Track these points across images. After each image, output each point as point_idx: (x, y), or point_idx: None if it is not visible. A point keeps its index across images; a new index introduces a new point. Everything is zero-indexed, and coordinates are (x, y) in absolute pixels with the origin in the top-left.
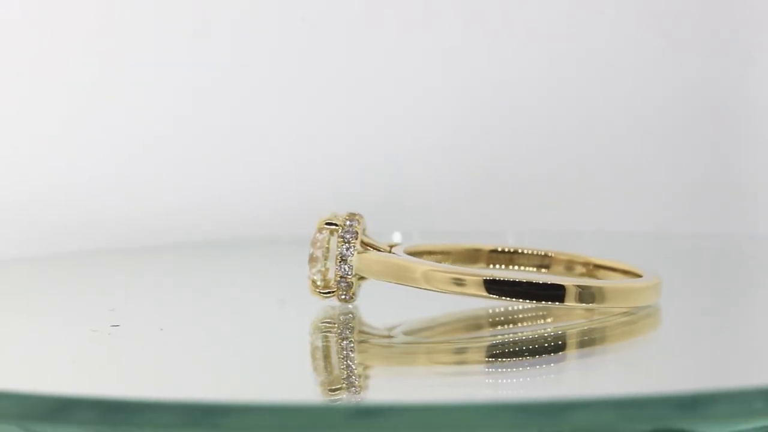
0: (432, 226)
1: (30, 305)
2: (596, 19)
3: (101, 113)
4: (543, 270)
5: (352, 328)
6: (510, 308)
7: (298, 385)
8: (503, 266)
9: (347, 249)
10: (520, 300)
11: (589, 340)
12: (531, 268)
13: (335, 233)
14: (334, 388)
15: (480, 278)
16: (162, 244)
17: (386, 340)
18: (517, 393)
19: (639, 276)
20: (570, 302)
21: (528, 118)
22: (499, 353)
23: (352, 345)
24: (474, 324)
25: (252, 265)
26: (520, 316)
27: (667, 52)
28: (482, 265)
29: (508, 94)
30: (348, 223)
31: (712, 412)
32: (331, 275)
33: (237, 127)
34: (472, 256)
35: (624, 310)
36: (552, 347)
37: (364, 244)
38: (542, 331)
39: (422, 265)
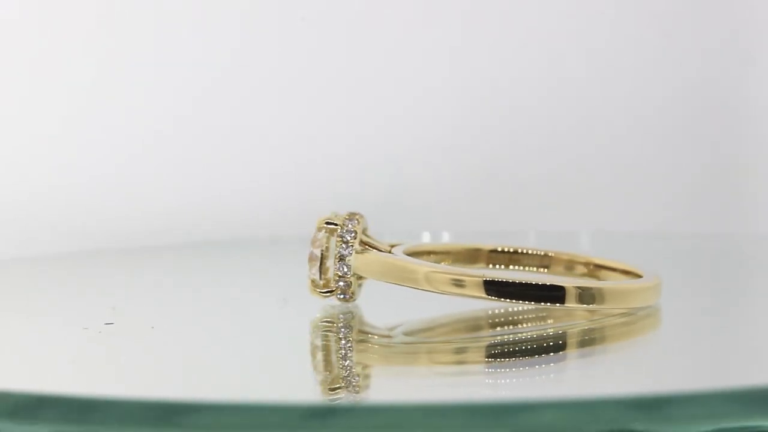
0: (432, 226)
1: (30, 305)
2: (596, 19)
3: (101, 113)
4: (543, 270)
5: (352, 327)
6: (510, 309)
7: (298, 384)
8: (503, 266)
9: (345, 248)
10: (520, 301)
11: (589, 340)
12: (531, 268)
13: (335, 233)
14: (332, 387)
15: (479, 279)
16: (162, 244)
17: (385, 340)
18: (516, 393)
19: (639, 276)
20: (569, 303)
21: (528, 118)
22: (499, 353)
23: (350, 344)
24: (474, 325)
25: (252, 265)
26: (520, 317)
27: (667, 52)
28: (482, 265)
29: (508, 94)
30: (348, 222)
31: (670, 415)
32: (331, 274)
33: (237, 127)
34: (471, 256)
35: (624, 310)
36: (551, 347)
37: (364, 243)
38: (542, 331)
39: (421, 266)
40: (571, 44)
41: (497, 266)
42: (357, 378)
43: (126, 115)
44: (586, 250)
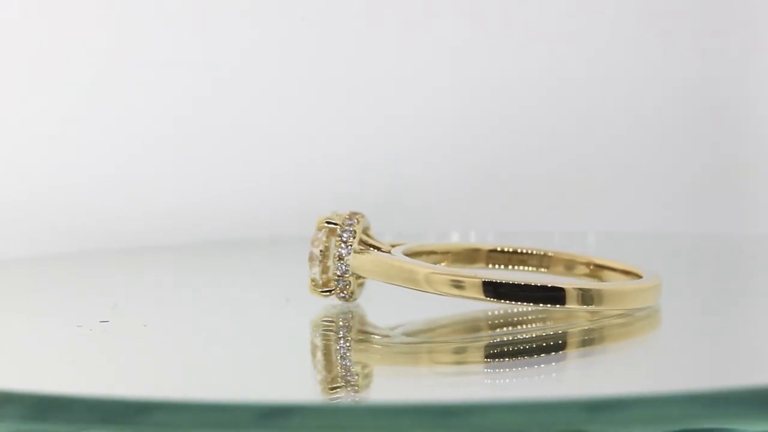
0: (432, 226)
1: (30, 305)
2: (596, 19)
3: (101, 113)
4: (543, 270)
5: (351, 327)
6: (510, 310)
7: (297, 384)
8: (502, 266)
9: (344, 248)
10: (520, 303)
11: (588, 340)
12: (531, 268)
13: (334, 232)
14: (331, 386)
15: (479, 281)
16: (162, 244)
17: (385, 340)
18: (515, 393)
19: (639, 276)
20: (569, 305)
21: (528, 118)
22: (498, 353)
23: (349, 344)
24: (474, 326)
25: (252, 265)
26: (521, 318)
27: (667, 52)
28: (481, 265)
29: (508, 94)
30: (347, 222)
31: (626, 417)
32: (331, 274)
33: (237, 127)
34: (471, 256)
35: (624, 311)
36: (551, 347)
37: (364, 243)
38: (541, 331)
39: (421, 267)
40: (571, 44)
41: (497, 266)
42: (356, 377)
43: (126, 115)
44: (586, 250)
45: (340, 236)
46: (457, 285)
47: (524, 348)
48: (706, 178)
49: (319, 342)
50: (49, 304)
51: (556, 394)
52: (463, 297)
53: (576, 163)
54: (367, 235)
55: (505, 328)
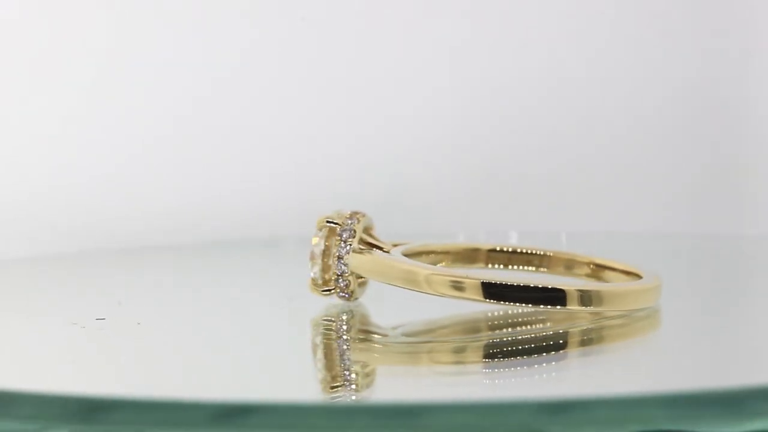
0: (432, 226)
1: (30, 305)
2: (596, 19)
3: (101, 113)
4: (542, 270)
5: (351, 327)
6: (510, 311)
7: (296, 383)
8: (502, 266)
9: (343, 247)
10: (520, 304)
11: (588, 340)
12: (530, 268)
13: (335, 231)
14: (331, 386)
15: (478, 281)
16: (162, 244)
17: (384, 339)
18: (514, 393)
19: (639, 276)
20: (570, 306)
21: (528, 118)
22: (497, 353)
23: (349, 344)
24: (475, 326)
25: (252, 265)
26: (521, 319)
27: (667, 52)
28: (481, 264)
29: (509, 94)
30: (348, 221)
31: (582, 419)
32: (331, 273)
33: (237, 127)
34: (470, 255)
35: (624, 312)
36: (551, 347)
37: (365, 243)
38: (541, 332)
39: (421, 268)
40: (571, 44)
41: (496, 266)
42: (355, 377)
43: (126, 115)
44: (586, 250)
45: (340, 236)
46: (457, 286)
47: (523, 348)
48: (706, 178)
49: (318, 341)
50: (49, 304)
51: (554, 395)
52: (463, 298)
53: (576, 163)
54: (369, 235)
55: (505, 329)
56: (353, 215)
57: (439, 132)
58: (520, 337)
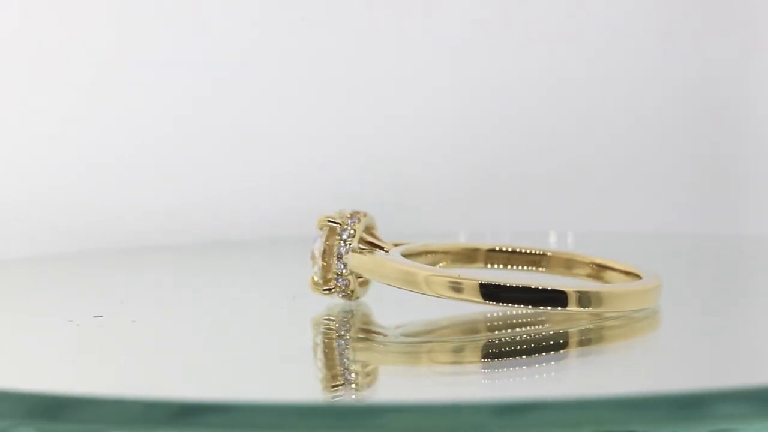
0: (432, 226)
1: (30, 305)
2: (596, 19)
3: (101, 113)
4: (542, 269)
5: (350, 326)
6: (510, 312)
7: (296, 383)
8: (501, 266)
9: (343, 247)
10: (519, 306)
11: (587, 341)
12: (529, 268)
13: (335, 231)
14: (330, 385)
15: (477, 282)
16: (162, 244)
17: (384, 339)
18: (512, 393)
19: (639, 276)
20: (569, 307)
21: (528, 118)
22: (496, 353)
23: (348, 343)
24: (474, 326)
25: (252, 265)
26: (520, 320)
27: (667, 52)
28: (480, 264)
29: (508, 94)
30: (349, 221)
31: (533, 421)
32: (331, 272)
33: (237, 127)
34: (469, 255)
35: (624, 313)
36: (550, 347)
37: (366, 243)
38: (541, 332)
39: (420, 269)
40: (571, 44)
41: (496, 266)
42: (355, 376)
43: (126, 115)
44: (586, 250)
45: (340, 235)
46: (456, 287)
47: (523, 348)
48: (706, 178)
49: (318, 341)
50: (49, 304)
51: (553, 394)
52: (462, 300)
53: (576, 163)
54: (371, 235)
55: (504, 330)
56: (354, 215)
57: (439, 132)
58: (519, 338)
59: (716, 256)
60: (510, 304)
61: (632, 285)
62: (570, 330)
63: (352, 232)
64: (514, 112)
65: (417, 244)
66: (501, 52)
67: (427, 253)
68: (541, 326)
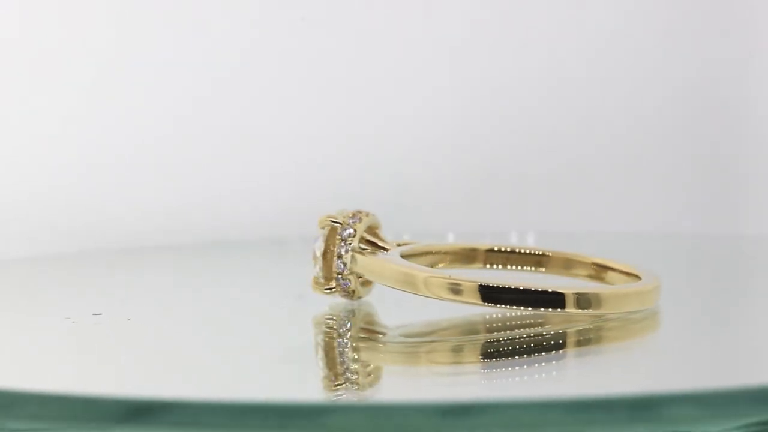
0: (432, 226)
1: (30, 305)
2: (596, 19)
3: (101, 113)
4: (541, 269)
5: (351, 326)
6: (510, 314)
7: (295, 382)
8: (500, 266)
9: (343, 247)
10: (518, 307)
11: (586, 341)
12: (529, 268)
13: (336, 230)
14: (330, 385)
15: (475, 284)
16: (162, 244)
17: (384, 339)
18: (510, 393)
19: (638, 277)
20: (568, 309)
21: (528, 118)
22: (496, 353)
23: (347, 343)
24: (474, 327)
25: (252, 265)
26: (519, 322)
27: (667, 52)
28: (479, 265)
29: (508, 94)
30: (350, 220)
31: (474, 423)
32: (332, 272)
33: (237, 127)
34: (468, 255)
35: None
36: (549, 347)
37: (368, 243)
38: (540, 333)
39: (420, 271)
40: (571, 44)
41: (495, 266)
42: (355, 375)
43: (126, 115)
44: (586, 250)
45: (341, 234)
46: (455, 289)
47: (522, 348)
48: (707, 179)
49: (319, 340)
50: (49, 304)
51: (550, 394)
52: (461, 301)
53: (576, 163)
54: (374, 235)
55: (504, 330)
56: (356, 214)
57: (439, 132)
58: (518, 338)
59: (716, 256)
60: (508, 306)
61: (631, 286)
62: (569, 330)
63: (352, 231)
64: (514, 112)
65: (416, 245)
66: (501, 52)
67: (425, 253)
68: (540, 327)
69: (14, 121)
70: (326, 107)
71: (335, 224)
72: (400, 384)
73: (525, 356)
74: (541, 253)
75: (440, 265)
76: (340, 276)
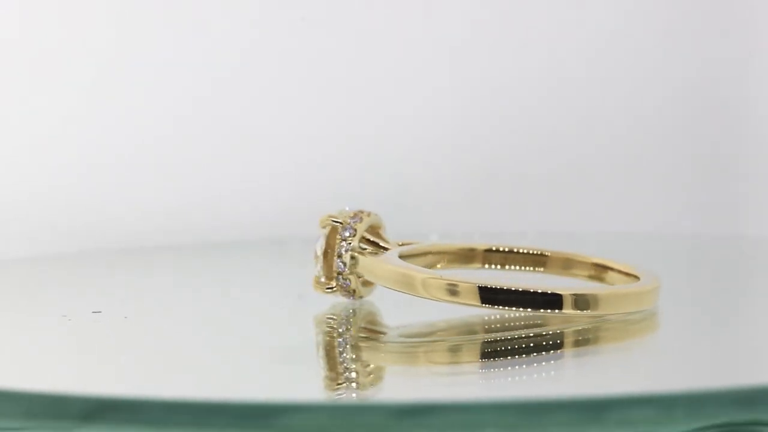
0: (432, 226)
1: (30, 305)
2: (596, 18)
3: (101, 113)
4: (539, 269)
5: (350, 326)
6: (508, 315)
7: (295, 382)
8: (499, 266)
9: (343, 246)
10: (515, 309)
11: (584, 341)
12: (527, 268)
13: (337, 230)
14: (330, 384)
15: (474, 285)
16: (162, 244)
17: (385, 338)
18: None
19: (637, 277)
20: (565, 310)
21: (528, 118)
22: (494, 353)
23: (346, 342)
24: (473, 327)
25: (252, 265)
26: (519, 322)
27: (667, 52)
28: (477, 265)
29: (508, 94)
30: (350, 220)
31: (429, 423)
32: (333, 272)
33: (237, 127)
34: (467, 255)
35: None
36: (547, 347)
37: (369, 242)
38: (539, 333)
39: (418, 272)
40: (571, 44)
41: (493, 266)
42: (356, 375)
43: (126, 115)
44: (586, 250)
45: (341, 234)
46: (453, 291)
47: (520, 348)
48: (707, 179)
49: (318, 340)
50: (49, 304)
51: (549, 394)
52: (459, 303)
53: (576, 163)
54: (376, 235)
55: (502, 330)
56: (357, 214)
57: (439, 132)
58: (517, 338)
59: (716, 256)
60: (506, 308)
61: (630, 287)
62: (567, 331)
63: (352, 231)
64: (514, 112)
65: (415, 245)
66: (501, 52)
67: (423, 253)
68: (539, 327)
69: (14, 121)
70: (326, 107)
71: (336, 224)
72: (400, 384)
73: (523, 356)
74: (539, 252)
75: (438, 265)
76: (340, 275)
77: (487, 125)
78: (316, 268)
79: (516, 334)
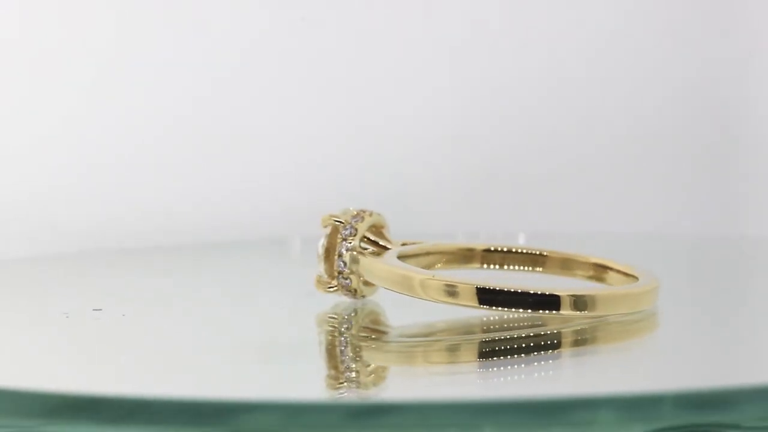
0: (432, 226)
1: (30, 305)
2: (596, 18)
3: (101, 113)
4: (538, 269)
5: (351, 325)
6: (506, 315)
7: (295, 382)
8: (497, 266)
9: (344, 246)
10: (514, 309)
11: (583, 341)
12: (526, 268)
13: (338, 229)
14: (335, 384)
15: (472, 286)
16: (162, 244)
17: (385, 338)
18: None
19: (636, 277)
20: (563, 311)
21: (528, 118)
22: (492, 353)
23: (348, 342)
24: (472, 327)
25: (252, 265)
26: (518, 323)
27: (667, 52)
28: (476, 265)
29: (509, 94)
30: (352, 220)
31: (386, 423)
32: (334, 271)
33: (237, 127)
34: (465, 256)
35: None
36: (546, 347)
37: (370, 242)
38: (538, 333)
39: (417, 273)
40: (571, 44)
41: (492, 266)
42: (356, 374)
43: (126, 115)
44: (586, 250)
45: (342, 233)
46: (451, 292)
47: (519, 347)
48: (706, 179)
49: (319, 340)
50: (50, 304)
51: (548, 394)
52: (457, 304)
53: (576, 163)
54: (378, 234)
55: (501, 330)
56: (359, 213)
57: (439, 132)
58: (515, 338)
59: (716, 256)
60: (505, 309)
61: (628, 287)
62: (566, 331)
63: (353, 230)
64: (514, 112)
65: (413, 245)
66: (501, 52)
67: (422, 254)
68: (538, 328)
69: (14, 121)
70: (326, 107)
71: (337, 223)
72: (399, 384)
73: (522, 356)
74: (538, 252)
75: (437, 265)
76: (341, 275)
77: (487, 125)
78: (319, 267)
79: (514, 334)
